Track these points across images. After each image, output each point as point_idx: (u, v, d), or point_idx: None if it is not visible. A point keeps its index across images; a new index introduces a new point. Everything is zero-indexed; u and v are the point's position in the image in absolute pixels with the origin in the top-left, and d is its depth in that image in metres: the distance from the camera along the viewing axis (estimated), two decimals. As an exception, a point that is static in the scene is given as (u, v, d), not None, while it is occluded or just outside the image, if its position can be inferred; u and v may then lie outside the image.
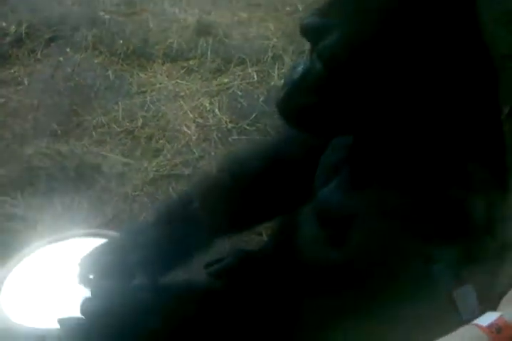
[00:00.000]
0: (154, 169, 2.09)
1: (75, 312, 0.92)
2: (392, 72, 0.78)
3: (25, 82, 2.48)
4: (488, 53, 0.84)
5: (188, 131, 2.23)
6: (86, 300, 0.91)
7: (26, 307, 1.09)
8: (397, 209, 0.81)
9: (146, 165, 2.10)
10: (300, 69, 0.83)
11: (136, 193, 1.99)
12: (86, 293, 0.98)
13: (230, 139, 2.20)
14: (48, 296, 1.11)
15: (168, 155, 2.14)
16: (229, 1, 2.85)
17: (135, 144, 2.20)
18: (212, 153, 2.14)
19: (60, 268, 1.16)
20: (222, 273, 1.22)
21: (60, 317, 0.93)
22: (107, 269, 0.98)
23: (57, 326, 0.93)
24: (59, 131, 2.25)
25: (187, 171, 2.08)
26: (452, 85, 0.80)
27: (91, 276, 0.99)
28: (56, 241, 1.23)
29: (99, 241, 1.10)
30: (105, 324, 0.87)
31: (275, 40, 2.57)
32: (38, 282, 1.15)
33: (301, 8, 2.81)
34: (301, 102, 0.83)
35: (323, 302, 0.88)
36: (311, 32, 0.81)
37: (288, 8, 2.83)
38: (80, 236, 1.23)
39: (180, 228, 1.00)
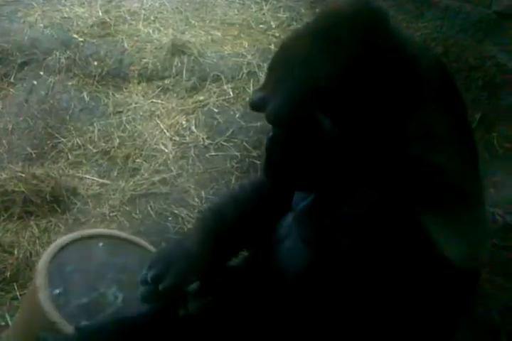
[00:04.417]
0: (131, 188, 2.06)
1: None
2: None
3: (-1, 106, 2.46)
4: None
5: (165, 150, 2.21)
6: None
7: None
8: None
9: (123, 185, 2.08)
10: (270, 134, 0.99)
11: (113, 213, 1.97)
12: None
13: (207, 156, 2.19)
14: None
15: (146, 174, 2.12)
16: (202, 21, 2.86)
17: (112, 164, 2.18)
18: (190, 170, 2.12)
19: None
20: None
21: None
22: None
23: None
24: (34, 155, 2.23)
25: (165, 189, 2.06)
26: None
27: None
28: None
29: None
30: None
31: (249, 57, 2.58)
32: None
33: (274, 26, 2.83)
34: (269, 159, 0.99)
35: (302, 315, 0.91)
36: (256, 105, 0.97)
37: (261, 26, 2.84)
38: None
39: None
